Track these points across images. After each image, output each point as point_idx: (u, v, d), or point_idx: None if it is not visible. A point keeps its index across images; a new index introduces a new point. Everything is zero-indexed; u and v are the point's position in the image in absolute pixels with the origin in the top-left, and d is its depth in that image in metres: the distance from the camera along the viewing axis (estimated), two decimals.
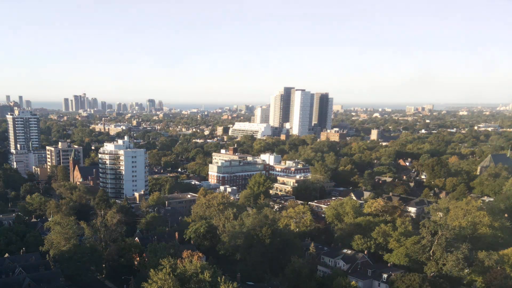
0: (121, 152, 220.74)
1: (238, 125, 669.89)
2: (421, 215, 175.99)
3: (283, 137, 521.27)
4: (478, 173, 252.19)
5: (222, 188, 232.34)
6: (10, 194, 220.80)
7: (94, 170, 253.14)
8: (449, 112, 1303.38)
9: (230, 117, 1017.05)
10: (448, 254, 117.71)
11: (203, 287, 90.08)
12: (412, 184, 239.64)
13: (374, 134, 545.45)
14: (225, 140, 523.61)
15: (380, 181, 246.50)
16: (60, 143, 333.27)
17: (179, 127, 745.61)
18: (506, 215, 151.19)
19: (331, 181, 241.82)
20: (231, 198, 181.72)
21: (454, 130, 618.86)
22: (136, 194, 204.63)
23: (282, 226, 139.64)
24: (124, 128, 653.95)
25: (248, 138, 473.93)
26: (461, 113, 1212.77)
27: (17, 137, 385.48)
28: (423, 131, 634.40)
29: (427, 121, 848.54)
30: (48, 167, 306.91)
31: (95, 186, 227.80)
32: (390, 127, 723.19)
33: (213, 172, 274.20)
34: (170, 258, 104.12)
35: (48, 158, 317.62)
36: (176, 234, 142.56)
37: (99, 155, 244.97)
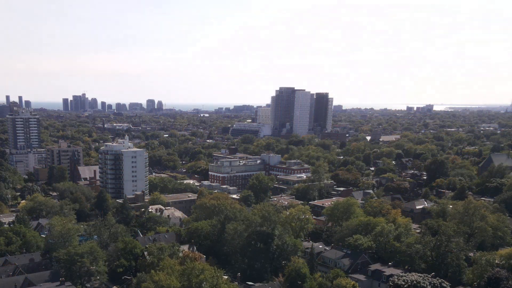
0: (121, 152, 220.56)
1: (238, 125, 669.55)
2: (422, 215, 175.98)
3: (283, 137, 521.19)
4: (478, 173, 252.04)
5: (222, 188, 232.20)
6: (10, 194, 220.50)
7: (94, 170, 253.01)
8: (449, 112, 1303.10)
9: (230, 117, 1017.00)
10: (448, 254, 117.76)
11: (203, 287, 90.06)
12: (412, 184, 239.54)
13: (375, 134, 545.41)
14: (225, 140, 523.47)
15: (381, 181, 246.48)
16: (60, 143, 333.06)
17: (179, 127, 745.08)
18: (506, 215, 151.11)
19: (331, 181, 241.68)
20: (231, 198, 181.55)
21: (454, 130, 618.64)
22: (136, 194, 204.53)
23: (282, 226, 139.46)
24: (123, 128, 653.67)
25: (248, 138, 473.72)
26: (461, 113, 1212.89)
27: (17, 137, 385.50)
28: (423, 131, 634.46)
29: (428, 121, 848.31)
30: (48, 167, 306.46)
31: (94, 186, 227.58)
32: (390, 127, 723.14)
33: (213, 172, 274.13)
34: (170, 258, 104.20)
35: (48, 158, 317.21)
36: (176, 234, 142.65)
37: (99, 155, 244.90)
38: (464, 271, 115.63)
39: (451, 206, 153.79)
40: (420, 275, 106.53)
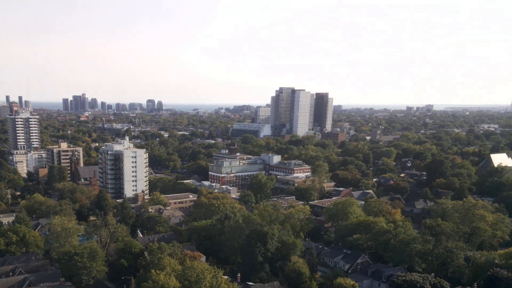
0: (121, 152, 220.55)
1: (238, 125, 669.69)
2: (422, 215, 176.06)
3: (283, 137, 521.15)
4: (477, 173, 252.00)
5: (222, 188, 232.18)
6: (10, 194, 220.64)
7: (94, 170, 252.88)
8: (449, 112, 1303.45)
9: (230, 117, 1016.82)
10: (448, 254, 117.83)
11: (203, 287, 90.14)
12: (412, 184, 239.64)
13: (374, 134, 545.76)
14: (225, 140, 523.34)
15: (381, 181, 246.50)
16: (60, 143, 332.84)
17: (178, 127, 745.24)
18: (506, 215, 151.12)
19: (331, 181, 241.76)
20: (231, 198, 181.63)
21: (454, 130, 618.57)
22: (136, 194, 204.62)
23: (282, 225, 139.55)
24: (123, 128, 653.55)
25: (248, 138, 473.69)
26: (461, 113, 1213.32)
27: (17, 137, 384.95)
28: (423, 131, 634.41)
29: (428, 121, 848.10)
30: (48, 167, 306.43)
31: (94, 186, 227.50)
32: (390, 127, 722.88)
33: (213, 172, 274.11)
34: (170, 259, 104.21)
35: (48, 158, 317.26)
36: (176, 234, 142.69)
37: (99, 155, 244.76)
38: (464, 271, 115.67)
39: (450, 206, 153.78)
40: (420, 275, 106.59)
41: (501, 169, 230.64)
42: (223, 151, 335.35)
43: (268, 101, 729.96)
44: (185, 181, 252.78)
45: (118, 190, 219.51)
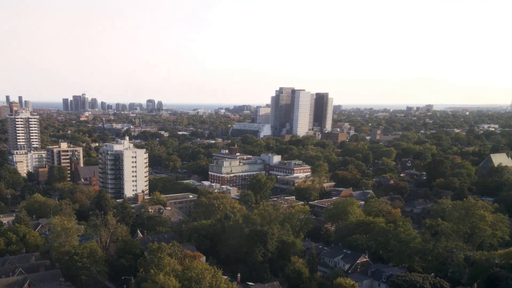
0: (121, 152, 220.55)
1: (238, 125, 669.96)
2: (422, 215, 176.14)
3: (283, 137, 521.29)
4: (477, 173, 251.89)
5: (222, 188, 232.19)
6: (9, 194, 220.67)
7: (94, 170, 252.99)
8: (449, 112, 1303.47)
9: (230, 117, 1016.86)
10: (448, 253, 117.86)
11: (203, 287, 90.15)
12: (412, 184, 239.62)
13: (374, 134, 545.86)
14: (225, 140, 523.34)
15: (381, 181, 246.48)
16: (60, 143, 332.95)
17: (178, 127, 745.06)
18: (506, 215, 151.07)
19: (331, 181, 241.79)
20: (231, 198, 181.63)
21: (454, 130, 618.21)
22: (136, 194, 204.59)
23: (282, 226, 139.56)
24: (123, 128, 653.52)
25: (248, 138, 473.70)
26: (461, 113, 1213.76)
27: (17, 137, 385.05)
28: (423, 131, 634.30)
29: (428, 121, 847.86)
30: (48, 167, 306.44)
31: (95, 186, 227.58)
32: (390, 127, 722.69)
33: (213, 172, 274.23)
34: (170, 258, 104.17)
35: (48, 158, 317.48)
36: (176, 234, 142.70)
37: (99, 155, 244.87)
38: (464, 271, 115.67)
39: (450, 206, 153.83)
40: (420, 275, 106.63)
41: (501, 169, 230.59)
42: (223, 151, 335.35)
43: (268, 101, 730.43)
44: (185, 181, 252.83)
45: (118, 190, 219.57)
